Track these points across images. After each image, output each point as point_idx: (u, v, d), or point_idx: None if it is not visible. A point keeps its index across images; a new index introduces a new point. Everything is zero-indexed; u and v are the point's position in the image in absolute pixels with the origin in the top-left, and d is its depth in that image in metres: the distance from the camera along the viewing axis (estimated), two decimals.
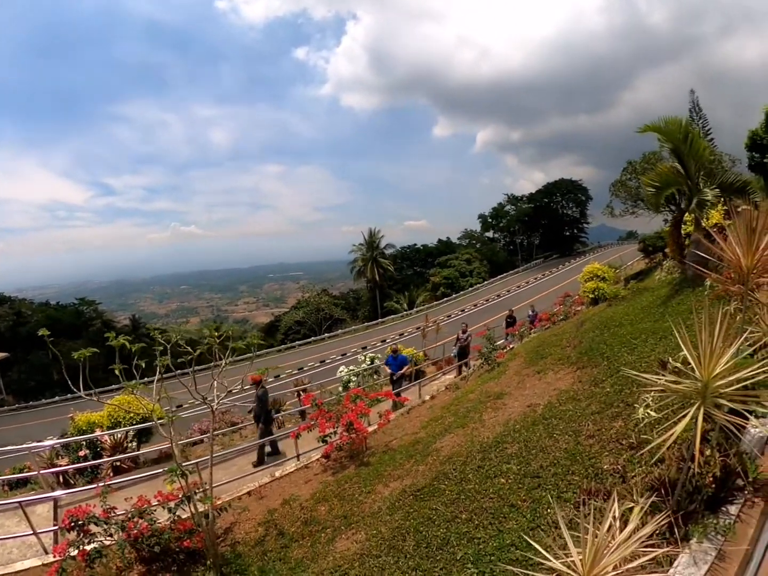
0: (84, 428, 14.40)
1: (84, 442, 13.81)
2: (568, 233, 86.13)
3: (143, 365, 7.25)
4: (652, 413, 4.67)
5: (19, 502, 8.82)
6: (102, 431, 13.94)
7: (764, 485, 4.02)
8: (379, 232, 71.62)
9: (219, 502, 8.52)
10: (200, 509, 7.36)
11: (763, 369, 3.66)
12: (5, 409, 48.76)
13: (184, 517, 7.56)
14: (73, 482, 12.71)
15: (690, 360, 3.72)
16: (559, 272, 58.55)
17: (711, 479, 3.92)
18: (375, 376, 22.69)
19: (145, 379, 7.47)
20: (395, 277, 74.84)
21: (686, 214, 12.71)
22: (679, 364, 4.23)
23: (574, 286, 21.75)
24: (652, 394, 4.62)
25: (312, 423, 10.42)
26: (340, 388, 22.10)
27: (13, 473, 14.27)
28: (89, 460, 13.31)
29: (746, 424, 4.14)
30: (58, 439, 15.05)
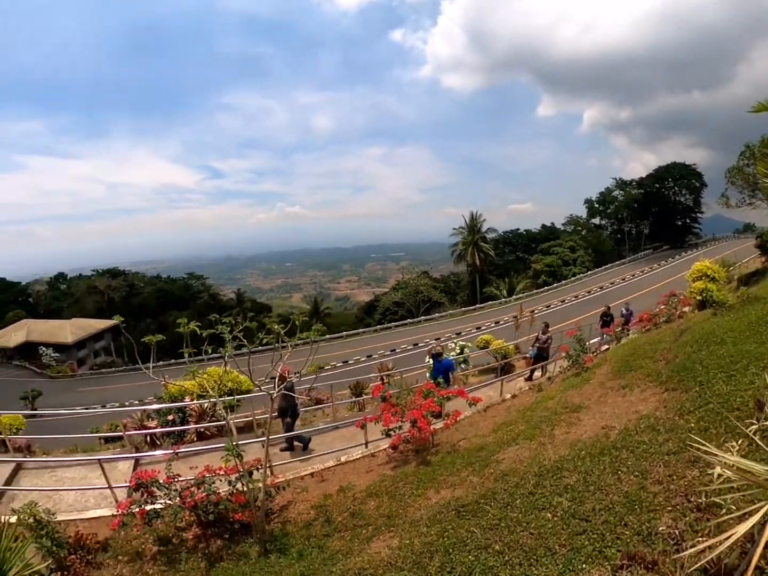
0: (176, 395, 15.13)
1: (174, 408, 14.77)
2: (680, 223, 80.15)
3: (209, 350, 7.53)
4: (730, 474, 3.67)
5: (99, 459, 9.86)
6: (191, 399, 14.59)
7: None
8: (481, 215, 70.99)
9: (278, 480, 8.97)
10: (253, 487, 7.76)
11: None
12: (114, 371, 52.70)
13: (244, 490, 7.93)
14: (159, 443, 13.67)
15: None
16: (668, 265, 55.59)
17: None
18: (463, 366, 22.28)
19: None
20: (496, 262, 73.94)
21: None
22: None
23: (682, 283, 20.32)
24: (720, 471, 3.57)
25: (378, 415, 10.22)
26: (427, 375, 21.95)
27: (111, 429, 15.45)
28: (176, 425, 14.08)
29: None
30: (152, 402, 15.93)
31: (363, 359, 37.11)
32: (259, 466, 8.26)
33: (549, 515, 5.38)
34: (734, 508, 2.78)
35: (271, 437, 11.32)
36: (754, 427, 5.03)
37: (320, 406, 16.74)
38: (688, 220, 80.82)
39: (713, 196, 64.61)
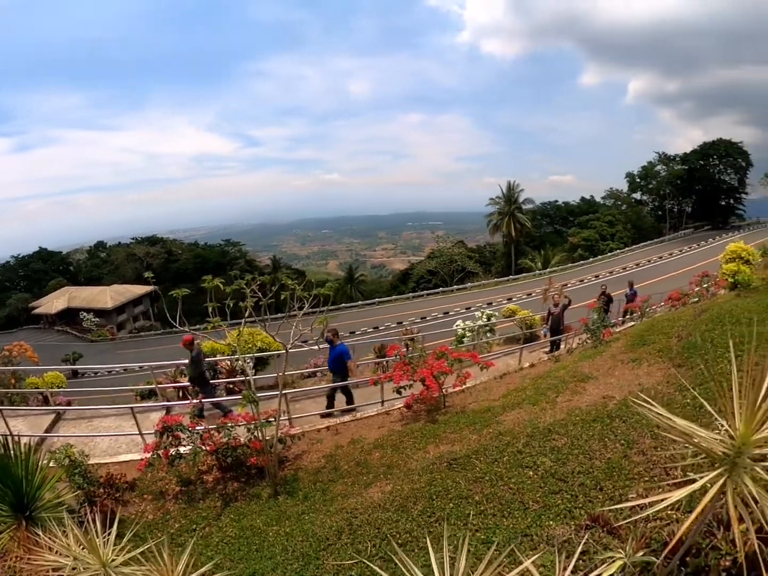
0: (208, 353, 15.73)
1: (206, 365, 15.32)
2: (723, 203, 76.36)
3: (231, 305, 7.82)
4: (674, 437, 3.71)
5: (131, 407, 10.79)
6: (222, 357, 15.42)
7: None
8: (518, 185, 69.32)
9: (293, 431, 9.43)
10: (268, 436, 8.28)
11: None
12: (152, 334, 54.27)
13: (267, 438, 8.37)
14: (191, 397, 14.09)
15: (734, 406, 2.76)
16: (707, 246, 53.94)
17: (728, 563, 3.08)
18: (489, 335, 22.48)
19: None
20: (532, 234, 72.83)
21: None
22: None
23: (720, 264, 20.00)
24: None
25: (391, 373, 10.58)
26: (455, 342, 22.23)
27: (147, 385, 16.26)
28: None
29: None
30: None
31: (393, 326, 37.40)
32: (276, 417, 8.56)
33: (531, 473, 5.66)
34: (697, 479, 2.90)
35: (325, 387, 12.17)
36: (699, 433, 5.18)
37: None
38: (731, 201, 77.35)
39: (761, 177, 62.27)
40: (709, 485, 2.63)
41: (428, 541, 3.27)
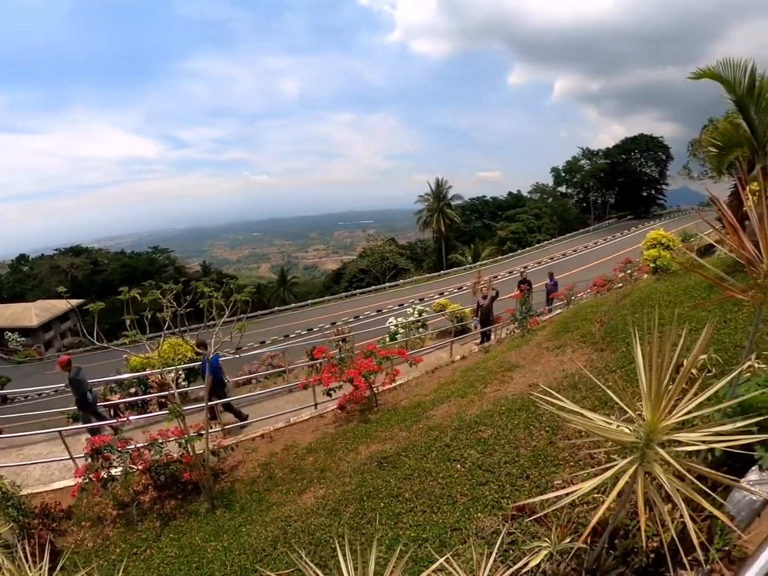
0: (138, 368, 15.22)
1: (135, 380, 15.00)
2: (645, 194, 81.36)
3: (149, 316, 7.58)
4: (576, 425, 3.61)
5: (59, 431, 10.16)
6: (152, 371, 14.73)
7: (731, 562, 3.07)
8: (447, 182, 70.41)
9: (226, 442, 9.40)
10: (199, 450, 8.11)
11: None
12: (81, 351, 52.35)
13: (198, 452, 8.16)
14: (131, 412, 13.69)
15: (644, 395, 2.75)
16: (630, 234, 55.98)
17: (656, 544, 3.12)
18: (422, 330, 22.58)
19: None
20: (462, 229, 73.93)
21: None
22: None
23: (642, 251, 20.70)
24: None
25: (320, 376, 10.49)
26: (388, 339, 22.24)
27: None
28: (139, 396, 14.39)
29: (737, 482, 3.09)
30: (114, 377, 16.02)
31: (327, 326, 37.16)
32: (208, 429, 8.45)
33: (459, 466, 5.67)
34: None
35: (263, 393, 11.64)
36: (610, 424, 5.28)
37: (276, 370, 16.95)
38: (653, 191, 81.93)
39: (681, 169, 65.26)
40: (626, 469, 2.63)
41: (338, 551, 3.13)
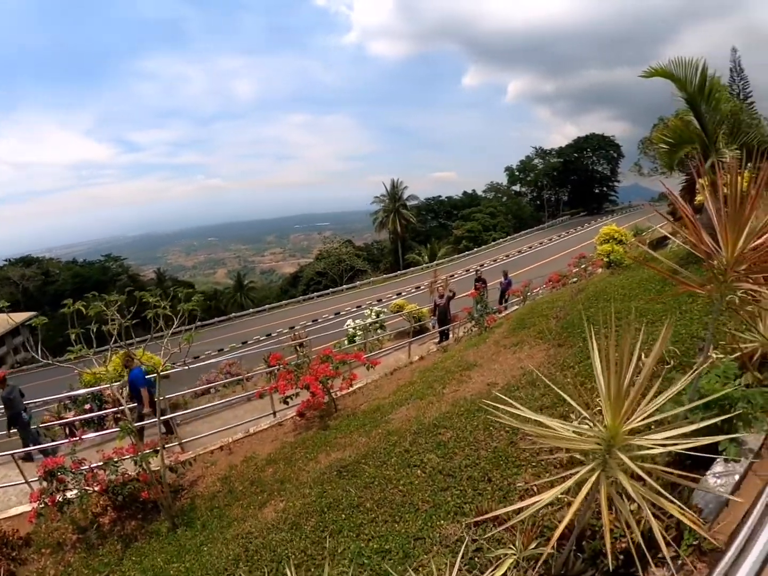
0: (92, 383, 14.76)
1: (89, 396, 14.55)
2: (597, 191, 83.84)
3: (95, 330, 7.32)
4: (529, 431, 3.35)
5: (11, 454, 9.73)
6: (106, 385, 14.29)
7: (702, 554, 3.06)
8: (402, 183, 70.72)
9: (184, 457, 9.12)
10: (156, 467, 7.88)
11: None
12: (35, 366, 50.68)
13: (155, 469, 7.91)
14: (84, 430, 13.10)
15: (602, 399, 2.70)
16: (583, 230, 56.97)
17: (625, 545, 3.01)
18: (380, 331, 22.50)
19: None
20: (418, 229, 74.25)
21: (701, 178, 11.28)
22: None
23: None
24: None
25: (276, 384, 10.27)
26: (346, 342, 22.11)
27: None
28: (94, 413, 13.84)
29: (700, 477, 3.26)
30: (67, 393, 15.46)
31: (286, 331, 36.78)
32: (164, 445, 8.23)
33: (419, 472, 5.57)
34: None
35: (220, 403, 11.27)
36: (568, 430, 5.24)
37: (234, 378, 16.65)
38: (605, 188, 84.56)
39: (631, 166, 67.10)
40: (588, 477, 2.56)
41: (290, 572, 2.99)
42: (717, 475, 3.48)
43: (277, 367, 10.97)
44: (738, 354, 4.30)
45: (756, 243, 3.03)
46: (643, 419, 2.50)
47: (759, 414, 3.63)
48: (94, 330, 7.25)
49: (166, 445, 8.47)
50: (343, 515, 5.36)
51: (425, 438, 6.36)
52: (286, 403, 10.07)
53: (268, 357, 17.78)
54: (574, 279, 17.11)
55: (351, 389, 10.84)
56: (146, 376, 10.91)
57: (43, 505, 7.56)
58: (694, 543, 3.06)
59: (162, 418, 9.89)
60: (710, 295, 3.24)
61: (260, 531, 5.89)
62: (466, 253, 59.89)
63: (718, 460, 3.53)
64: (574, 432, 2.72)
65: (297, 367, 10.40)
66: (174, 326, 7.54)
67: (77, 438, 9.75)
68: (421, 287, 40.72)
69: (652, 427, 2.82)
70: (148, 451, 7.64)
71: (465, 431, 6.10)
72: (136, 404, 10.90)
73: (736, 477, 3.49)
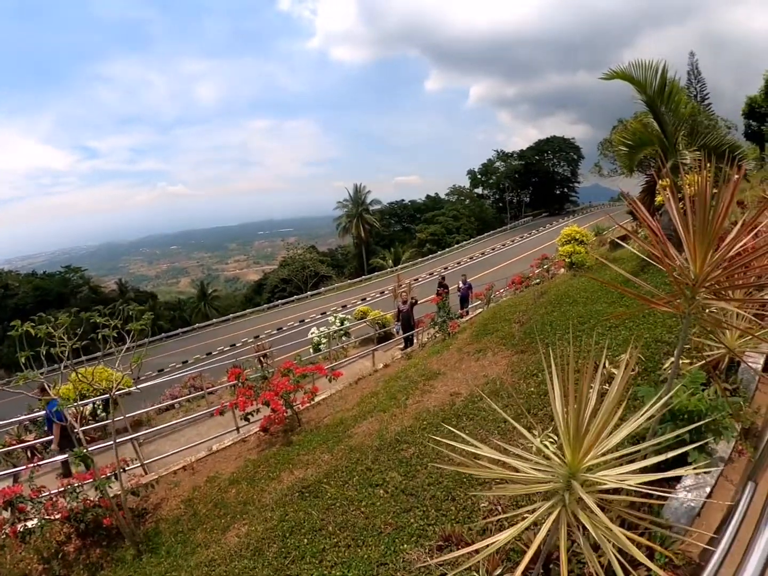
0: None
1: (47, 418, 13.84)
2: (558, 192, 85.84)
3: (44, 351, 7.06)
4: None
5: None
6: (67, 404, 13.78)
7: (675, 568, 3.03)
8: (365, 188, 71.23)
9: (145, 479, 8.90)
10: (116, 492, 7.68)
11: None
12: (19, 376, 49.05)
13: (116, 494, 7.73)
14: (41, 456, 12.55)
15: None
16: (546, 231, 57.80)
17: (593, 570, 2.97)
18: (345, 338, 22.34)
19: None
20: (382, 234, 74.45)
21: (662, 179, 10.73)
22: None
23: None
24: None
25: (236, 400, 10.05)
26: (311, 351, 21.88)
27: None
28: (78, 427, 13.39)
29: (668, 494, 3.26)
30: (26, 414, 14.90)
31: (250, 341, 36.34)
32: (124, 468, 8.28)
33: (381, 491, 5.45)
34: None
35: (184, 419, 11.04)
36: (525, 463, 5.16)
37: (198, 393, 16.27)
38: (566, 189, 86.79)
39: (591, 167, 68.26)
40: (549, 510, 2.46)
41: None
42: (688, 488, 3.47)
43: (237, 382, 10.71)
44: (703, 362, 4.28)
45: (729, 255, 2.92)
46: (604, 454, 2.37)
47: (728, 421, 3.66)
48: (44, 352, 6.98)
49: (125, 468, 8.38)
50: (306, 540, 5.22)
51: (387, 455, 6.26)
52: (247, 420, 9.90)
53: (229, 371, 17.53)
54: (537, 280, 17.17)
55: (316, 401, 10.70)
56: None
57: (4, 536, 7.37)
58: (666, 560, 3.01)
59: (59, 458, 9.85)
60: (678, 314, 3.14)
61: (223, 558, 5.74)
62: (430, 256, 60.11)
63: (688, 471, 3.46)
64: (532, 469, 2.58)
65: (260, 379, 10.19)
66: (126, 345, 7.37)
67: (34, 464, 9.46)
68: (386, 292, 40.65)
69: (615, 456, 2.71)
70: (103, 477, 7.40)
71: (427, 447, 5.99)
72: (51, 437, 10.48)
73: (707, 489, 3.49)
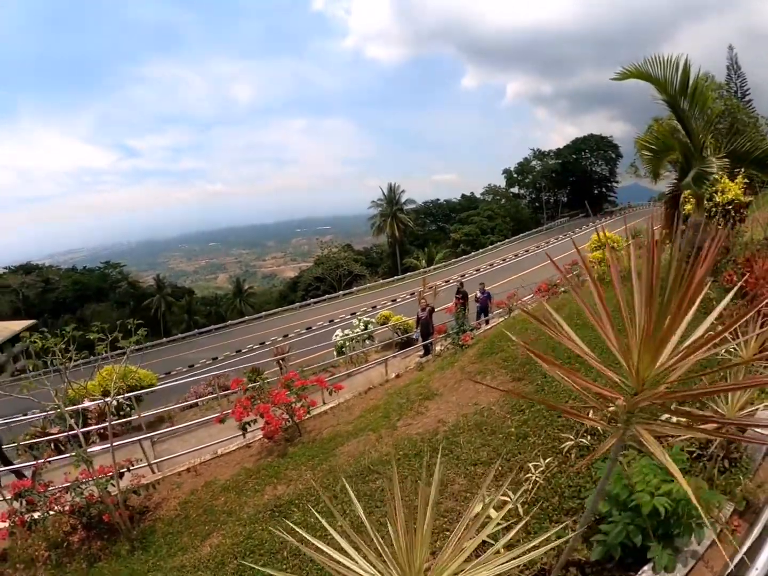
0: (76, 397, 14.62)
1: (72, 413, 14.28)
2: (596, 192, 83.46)
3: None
4: (493, 514, 3.05)
5: None
6: (90, 400, 14.10)
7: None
8: (399, 187, 71.17)
9: (147, 480, 9.18)
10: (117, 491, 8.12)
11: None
12: (37, 374, 50.30)
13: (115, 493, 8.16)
14: (64, 449, 13.37)
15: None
16: (582, 233, 56.49)
17: None
18: (368, 342, 22.32)
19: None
20: (416, 233, 74.36)
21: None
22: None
23: None
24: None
25: (234, 409, 10.22)
26: (335, 353, 21.93)
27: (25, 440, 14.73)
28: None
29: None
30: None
31: (280, 339, 36.53)
32: (128, 467, 8.71)
33: (340, 524, 5.32)
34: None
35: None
36: (569, 443, 4.97)
37: (224, 393, 16.45)
38: (604, 189, 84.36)
39: (629, 166, 66.86)
40: None
41: None
42: None
43: (237, 390, 10.86)
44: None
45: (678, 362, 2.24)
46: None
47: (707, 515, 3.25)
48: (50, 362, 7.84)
49: (130, 468, 8.79)
50: (261, 562, 5.34)
51: (357, 483, 6.28)
52: (244, 429, 10.02)
53: (252, 371, 17.64)
54: (564, 288, 16.85)
55: (325, 408, 10.98)
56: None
57: (12, 524, 7.94)
58: None
59: (8, 468, 10.77)
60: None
61: (192, 566, 6.00)
62: (464, 257, 59.63)
63: (645, 568, 3.22)
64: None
65: (260, 389, 10.34)
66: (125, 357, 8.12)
67: (44, 461, 9.75)
68: (416, 293, 40.50)
69: None
70: (103, 477, 7.88)
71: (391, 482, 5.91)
72: None
73: None
